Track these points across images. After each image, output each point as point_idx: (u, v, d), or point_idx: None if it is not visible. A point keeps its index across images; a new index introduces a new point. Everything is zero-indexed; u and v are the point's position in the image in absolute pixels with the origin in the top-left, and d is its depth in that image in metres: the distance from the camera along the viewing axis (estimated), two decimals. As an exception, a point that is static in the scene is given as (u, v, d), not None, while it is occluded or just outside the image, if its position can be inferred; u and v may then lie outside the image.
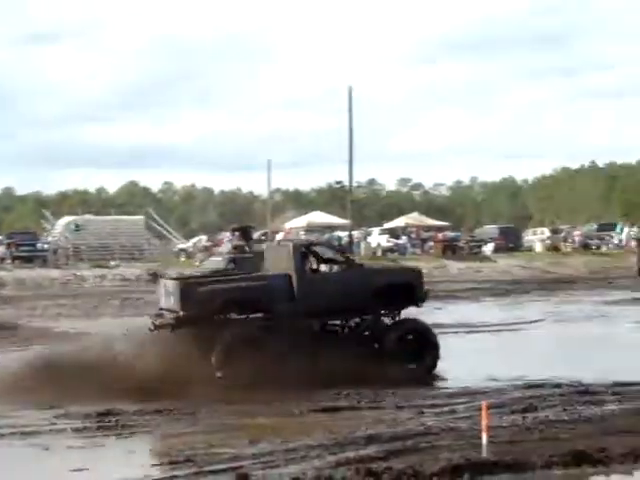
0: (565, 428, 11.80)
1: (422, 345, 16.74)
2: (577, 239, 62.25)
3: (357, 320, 17.15)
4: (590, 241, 62.39)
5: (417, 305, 17.31)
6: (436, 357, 16.79)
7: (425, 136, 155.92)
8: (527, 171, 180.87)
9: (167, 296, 16.68)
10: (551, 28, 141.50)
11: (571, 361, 18.67)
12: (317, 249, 17.84)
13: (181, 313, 16.09)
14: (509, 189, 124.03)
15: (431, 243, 57.94)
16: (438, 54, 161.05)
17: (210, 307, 15.94)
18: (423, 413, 13.11)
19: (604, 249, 59.98)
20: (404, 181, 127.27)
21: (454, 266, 50.59)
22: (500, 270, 49.52)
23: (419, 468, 9.64)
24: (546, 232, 66.09)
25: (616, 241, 62.28)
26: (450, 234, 60.77)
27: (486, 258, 54.86)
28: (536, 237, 64.30)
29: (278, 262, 17.09)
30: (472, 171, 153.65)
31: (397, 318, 17.20)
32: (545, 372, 16.27)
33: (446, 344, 17.52)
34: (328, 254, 17.71)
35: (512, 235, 62.00)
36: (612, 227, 67.00)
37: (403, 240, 58.44)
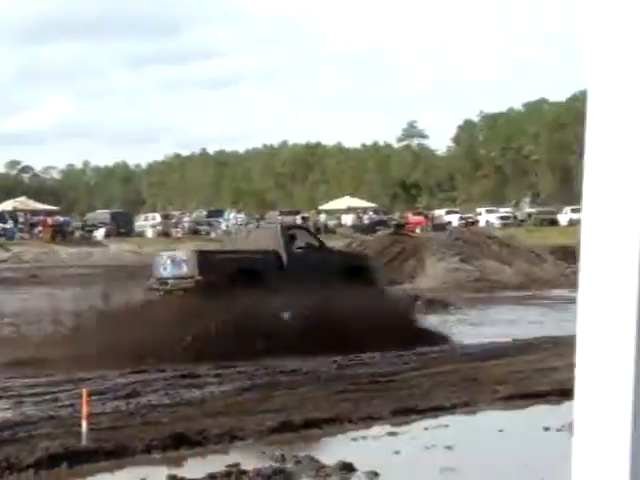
0: (167, 412, 11.94)
1: None
2: (187, 225, 63.43)
3: None
4: (200, 227, 63.83)
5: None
6: None
7: (35, 118, 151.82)
8: (140, 156, 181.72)
9: (175, 265, 18.98)
10: (164, 15, 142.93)
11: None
12: (297, 232, 21.51)
13: (198, 277, 18.22)
14: (122, 174, 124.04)
15: (40, 228, 56.54)
16: (46, 34, 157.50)
17: (225, 273, 18.03)
18: (23, 402, 12.74)
19: (213, 235, 61.62)
20: (13, 164, 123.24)
21: (64, 251, 49.65)
22: (111, 255, 49.28)
23: (14, 460, 9.33)
24: (157, 218, 66.79)
25: (224, 227, 64.26)
26: (60, 219, 59.70)
27: (98, 243, 54.40)
28: (147, 223, 64.77)
29: (264, 240, 20.25)
30: (84, 155, 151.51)
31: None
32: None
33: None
34: (305, 237, 21.30)
35: (123, 220, 62.04)
36: (220, 213, 69.21)
37: (10, 225, 56.65)
